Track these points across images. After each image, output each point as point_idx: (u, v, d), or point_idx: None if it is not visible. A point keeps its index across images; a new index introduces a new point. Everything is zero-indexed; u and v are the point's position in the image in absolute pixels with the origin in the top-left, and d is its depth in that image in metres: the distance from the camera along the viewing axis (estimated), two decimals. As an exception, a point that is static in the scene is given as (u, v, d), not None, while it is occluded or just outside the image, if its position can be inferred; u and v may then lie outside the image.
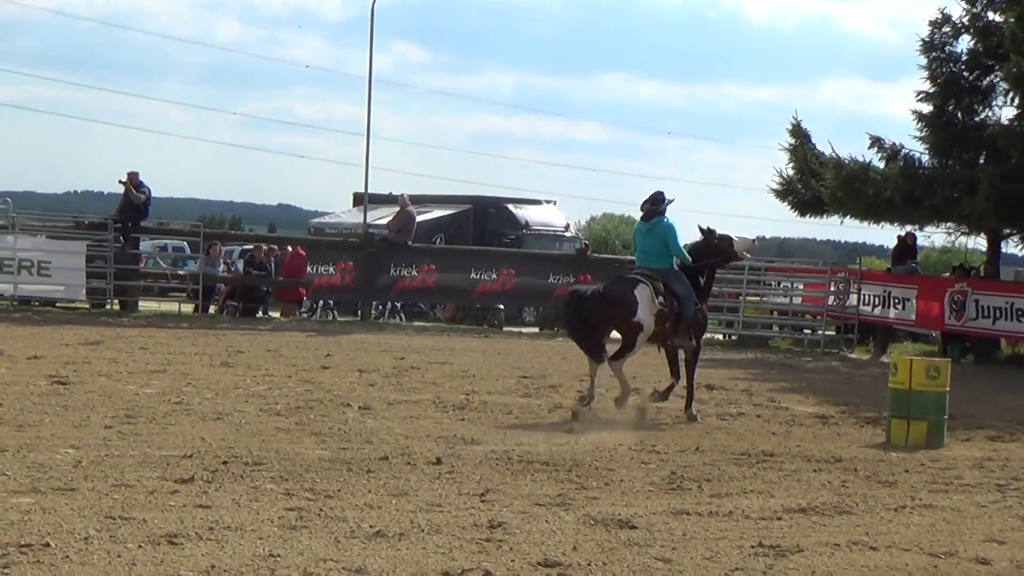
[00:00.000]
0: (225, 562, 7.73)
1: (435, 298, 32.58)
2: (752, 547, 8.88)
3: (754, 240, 17.96)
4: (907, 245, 30.47)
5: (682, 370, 16.49)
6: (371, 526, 8.81)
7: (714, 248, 16.77)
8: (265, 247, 32.39)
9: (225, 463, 10.82)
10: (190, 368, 18.50)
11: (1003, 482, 12.27)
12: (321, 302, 31.75)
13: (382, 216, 34.51)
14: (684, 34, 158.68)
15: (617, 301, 15.67)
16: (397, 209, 31.13)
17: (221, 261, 32.54)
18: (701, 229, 17.06)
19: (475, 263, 30.85)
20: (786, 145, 32.60)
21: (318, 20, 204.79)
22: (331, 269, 29.70)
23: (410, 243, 30.36)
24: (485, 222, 39.23)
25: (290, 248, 31.92)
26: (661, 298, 15.73)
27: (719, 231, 16.98)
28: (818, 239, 73.67)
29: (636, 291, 15.68)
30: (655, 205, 16.29)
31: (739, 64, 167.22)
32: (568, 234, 41.08)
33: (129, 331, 24.52)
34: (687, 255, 16.37)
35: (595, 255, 37.06)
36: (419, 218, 34.80)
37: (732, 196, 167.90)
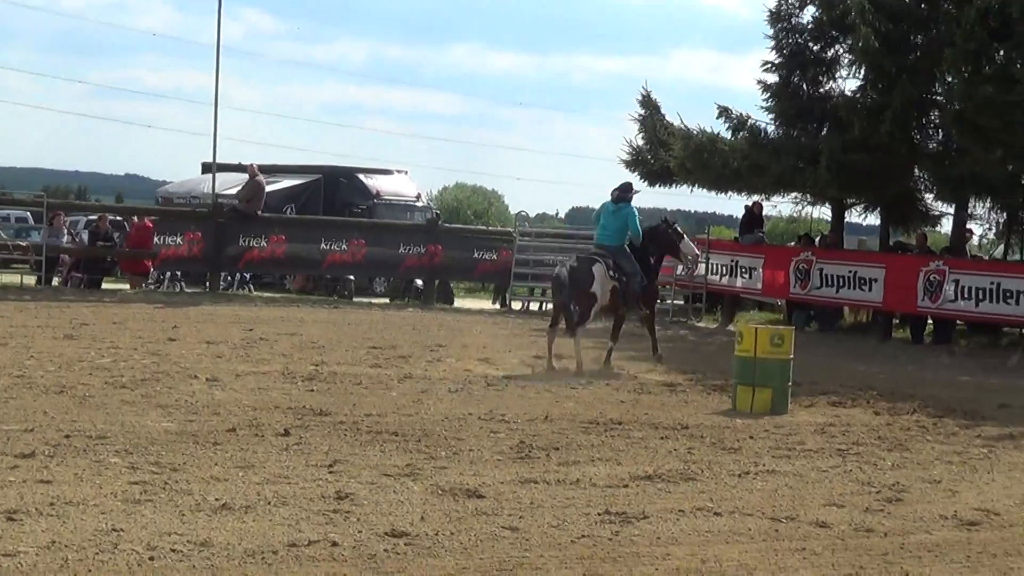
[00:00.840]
0: (66, 538, 7.61)
1: (285, 269, 32.28)
2: (599, 514, 8.96)
3: (697, 256, 20.78)
4: (754, 215, 30.88)
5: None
6: (217, 499, 8.73)
7: (663, 237, 19.50)
8: (111, 217, 31.86)
9: (68, 437, 10.65)
10: (32, 341, 18.14)
11: (844, 447, 12.53)
12: (168, 273, 31.30)
13: (231, 186, 34.09)
14: (537, 5, 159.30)
15: (578, 277, 18.25)
16: (246, 178, 30.80)
17: (65, 232, 31.95)
18: (664, 219, 20.13)
19: (325, 233, 30.61)
20: (636, 116, 32.87)
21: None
22: (179, 240, 29.27)
23: (260, 213, 30.05)
24: (336, 192, 38.94)
25: (136, 219, 31.41)
26: (613, 273, 18.42)
27: (678, 227, 19.99)
28: (668, 209, 74.33)
29: (594, 268, 18.38)
30: (625, 193, 19.02)
31: (591, 35, 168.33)
32: (419, 204, 40.98)
33: (-30, 303, 23.98)
34: (640, 235, 18.90)
35: (447, 225, 37.05)
36: (269, 188, 34.46)
37: (584, 166, 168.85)
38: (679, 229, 20.12)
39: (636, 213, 19.09)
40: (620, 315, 19.18)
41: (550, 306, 31.49)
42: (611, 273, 18.41)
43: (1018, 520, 9.67)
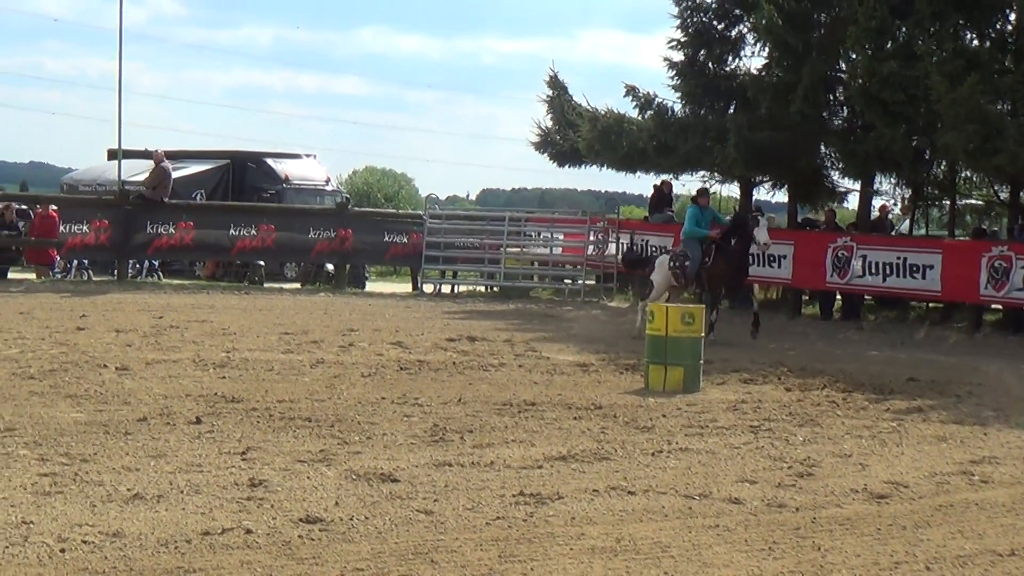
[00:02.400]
0: (-25, 532, 7.51)
1: (194, 255, 31.97)
2: (513, 496, 8.98)
3: (764, 243, 21.98)
4: (663, 194, 31.00)
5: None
6: (129, 489, 8.66)
7: (742, 225, 22.07)
8: (17, 206, 31.40)
9: (-26, 430, 10.50)
10: (-63, 333, 17.88)
11: (756, 423, 12.65)
12: (75, 262, 30.91)
13: (138, 172, 33.71)
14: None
15: (646, 262, 23.64)
16: (152, 165, 30.48)
17: (-32, 221, 31.44)
18: (754, 208, 24.30)
19: (234, 219, 30.34)
20: (544, 97, 32.90)
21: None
22: (85, 228, 28.89)
23: (167, 200, 29.76)
24: (244, 177, 38.60)
25: (40, 207, 30.98)
26: (674, 262, 22.24)
27: (763, 215, 22.77)
28: (579, 189, 74.58)
29: (657, 259, 22.98)
30: (696, 198, 23.65)
31: (499, 17, 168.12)
32: (329, 188, 40.70)
33: None
34: (688, 233, 22.60)
35: (356, 209, 36.88)
36: (177, 174, 34.11)
37: (494, 148, 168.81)
38: (758, 218, 22.13)
39: (692, 214, 22.76)
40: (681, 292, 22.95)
41: (462, 288, 31.66)
42: (673, 263, 22.27)
43: (927, 492, 9.81)
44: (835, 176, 28.43)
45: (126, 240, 29.13)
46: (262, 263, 32.39)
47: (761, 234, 21.68)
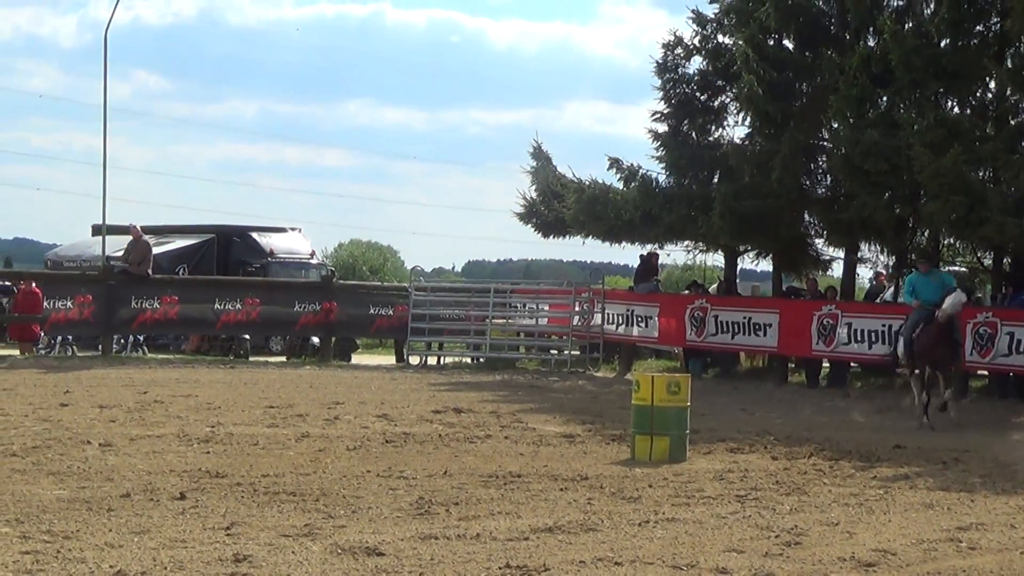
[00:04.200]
0: (-44, 611, 7.44)
1: (179, 329, 31.98)
2: (499, 568, 8.92)
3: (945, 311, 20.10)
4: (650, 265, 31.04)
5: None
6: (111, 566, 8.59)
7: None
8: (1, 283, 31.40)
9: (-43, 508, 10.42)
10: (-80, 410, 17.77)
11: (743, 493, 12.60)
12: (59, 338, 30.84)
13: (122, 247, 33.71)
14: (429, 59, 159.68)
15: None
16: (130, 240, 30.48)
17: (-47, 298, 31.41)
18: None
19: (219, 293, 30.35)
20: (528, 168, 33.02)
21: (52, 48, 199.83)
22: (69, 303, 28.85)
23: (150, 274, 29.75)
24: (229, 251, 38.64)
25: (23, 283, 30.91)
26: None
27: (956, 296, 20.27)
28: (564, 260, 74.65)
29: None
30: (921, 263, 21.88)
31: (484, 88, 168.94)
32: (314, 261, 40.74)
33: None
34: (908, 299, 21.16)
35: (342, 282, 36.90)
36: (161, 248, 34.14)
37: (479, 219, 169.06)
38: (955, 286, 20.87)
39: (907, 282, 21.74)
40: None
41: (448, 360, 31.63)
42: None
43: (915, 560, 9.76)
44: (819, 244, 28.52)
45: (110, 315, 29.09)
46: (247, 337, 32.34)
47: (946, 303, 20.07)
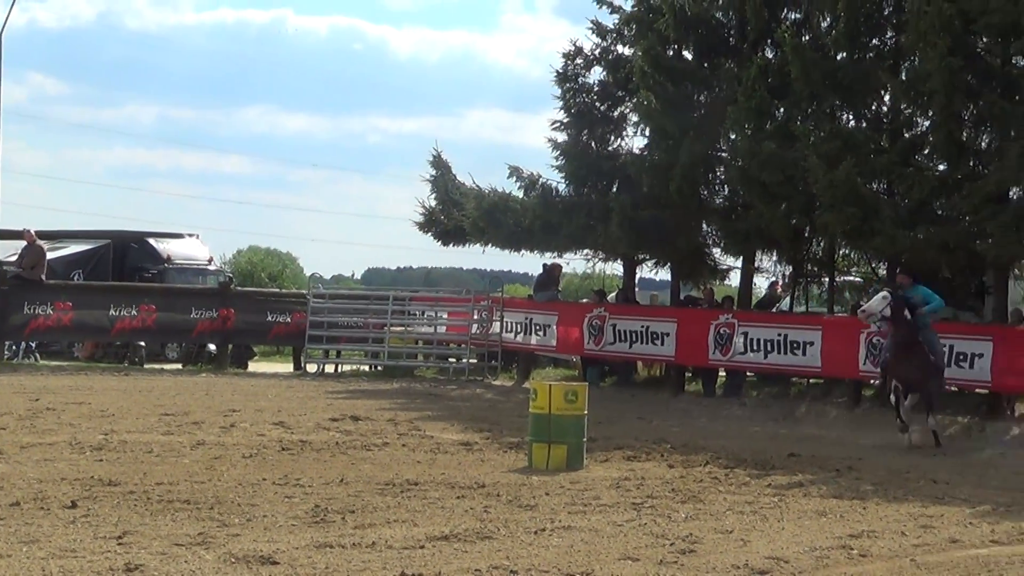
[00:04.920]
0: None
1: (72, 336, 31.56)
2: (394, 577, 8.89)
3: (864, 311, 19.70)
4: (552, 274, 31.15)
5: None
6: (-1, 576, 8.45)
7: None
8: None
9: None
10: None
11: (639, 500, 12.66)
12: (-50, 344, 30.31)
13: (14, 252, 33.23)
14: (330, 66, 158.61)
15: None
16: (23, 245, 30.06)
17: None
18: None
19: (114, 299, 29.99)
20: (428, 176, 32.98)
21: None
22: (-40, 309, 28.40)
23: (44, 279, 29.34)
24: (125, 257, 38.18)
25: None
26: None
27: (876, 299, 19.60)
28: (464, 268, 74.64)
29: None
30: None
31: (386, 96, 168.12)
32: (212, 268, 40.40)
33: None
34: None
35: (240, 288, 36.63)
36: (56, 254, 33.68)
37: (379, 227, 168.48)
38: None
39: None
40: None
41: (346, 367, 31.51)
42: None
43: (807, 567, 9.86)
44: (717, 254, 28.74)
45: (2, 321, 28.66)
46: (143, 344, 31.97)
47: (865, 304, 20.00)
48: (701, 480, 14.33)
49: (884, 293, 19.46)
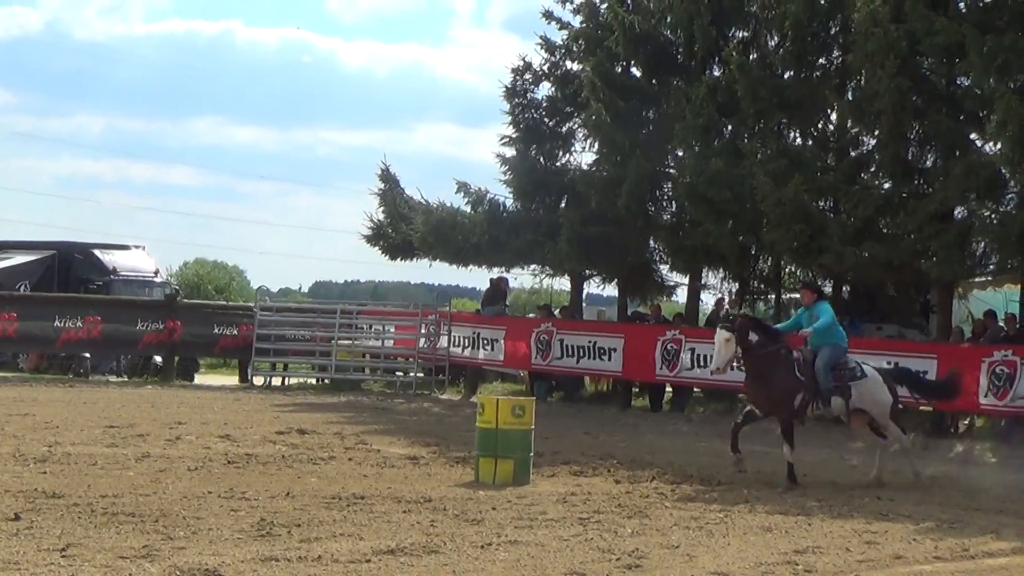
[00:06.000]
0: None
1: (17, 347, 31.34)
2: (341, 591, 8.86)
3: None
4: (499, 289, 31.16)
5: None
6: (-59, 588, 8.38)
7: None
8: None
9: None
10: None
11: (585, 515, 12.68)
12: None
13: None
14: (279, 79, 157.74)
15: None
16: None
17: None
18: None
19: (59, 310, 29.84)
20: (376, 190, 32.94)
21: None
22: (-98, 319, 28.18)
23: (-11, 290, 29.14)
24: (70, 268, 37.95)
25: None
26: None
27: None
28: (412, 282, 74.47)
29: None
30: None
31: (335, 109, 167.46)
32: (158, 280, 40.19)
33: None
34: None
35: (186, 301, 36.48)
36: (1, 264, 33.43)
37: (327, 240, 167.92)
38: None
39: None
40: None
41: (293, 380, 31.43)
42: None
43: (751, 582, 9.90)
44: (664, 270, 28.87)
45: (-54, 332, 28.42)
46: (88, 355, 31.78)
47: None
48: (647, 495, 14.37)
49: (724, 333, 16.78)
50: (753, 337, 16.77)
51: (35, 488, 12.79)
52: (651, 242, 28.23)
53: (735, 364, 17.18)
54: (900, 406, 17.64)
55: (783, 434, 16.62)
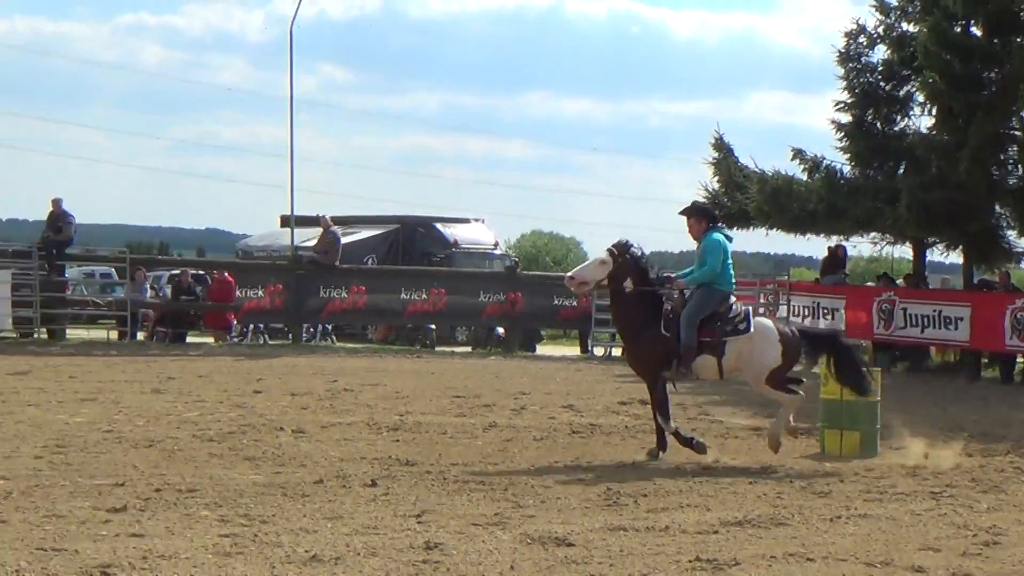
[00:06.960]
0: (160, 592, 7.64)
1: (366, 319, 32.46)
2: (689, 561, 8.86)
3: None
4: (837, 257, 30.66)
5: None
6: (307, 551, 8.72)
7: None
8: (192, 272, 32.18)
9: (158, 491, 10.69)
10: (120, 396, 18.29)
11: (937, 490, 12.34)
12: (252, 326, 31.51)
13: (310, 238, 34.32)
14: (609, 50, 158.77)
15: None
16: (320, 230, 30.97)
17: (147, 287, 32.26)
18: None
19: (405, 283, 30.76)
20: (710, 159, 32.79)
21: (240, 42, 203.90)
22: (260, 292, 29.48)
23: (337, 264, 30.20)
24: (414, 242, 39.09)
25: (217, 273, 31.67)
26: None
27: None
28: (747, 252, 73.94)
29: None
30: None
31: (665, 79, 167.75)
32: (498, 252, 41.03)
33: (58, 360, 24.25)
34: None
35: (526, 272, 37.10)
36: (349, 239, 34.60)
37: (660, 210, 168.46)
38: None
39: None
40: None
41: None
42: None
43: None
44: (1011, 236, 27.88)
45: (300, 304, 29.66)
46: (433, 327, 32.66)
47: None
48: (1002, 470, 13.87)
49: (603, 256, 14.24)
50: (629, 284, 14.08)
51: (389, 456, 13.22)
52: (996, 207, 27.30)
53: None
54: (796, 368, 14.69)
55: (655, 407, 14.22)
